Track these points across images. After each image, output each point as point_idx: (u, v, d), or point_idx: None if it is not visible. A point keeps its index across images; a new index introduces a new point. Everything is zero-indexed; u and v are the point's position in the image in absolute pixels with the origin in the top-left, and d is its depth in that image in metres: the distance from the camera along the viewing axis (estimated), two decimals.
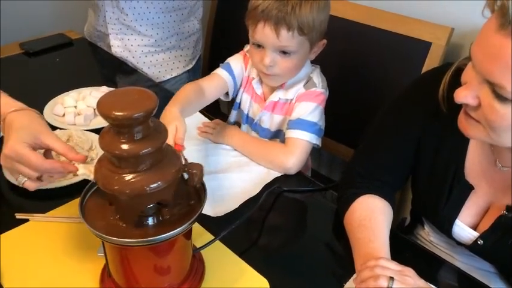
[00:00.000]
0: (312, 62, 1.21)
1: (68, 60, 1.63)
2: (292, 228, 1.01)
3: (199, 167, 0.74)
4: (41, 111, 1.25)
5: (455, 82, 0.79)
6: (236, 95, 1.28)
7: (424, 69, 1.34)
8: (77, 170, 0.81)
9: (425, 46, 1.34)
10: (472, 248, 0.90)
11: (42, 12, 2.26)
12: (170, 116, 1.00)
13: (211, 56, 1.99)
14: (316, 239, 0.97)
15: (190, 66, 1.78)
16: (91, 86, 1.39)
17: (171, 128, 0.94)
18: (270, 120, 1.22)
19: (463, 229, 0.90)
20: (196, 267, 0.83)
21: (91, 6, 1.69)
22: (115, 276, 0.78)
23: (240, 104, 1.28)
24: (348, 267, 0.86)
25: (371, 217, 0.89)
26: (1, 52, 1.60)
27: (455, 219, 0.91)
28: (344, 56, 1.52)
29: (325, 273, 0.89)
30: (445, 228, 0.93)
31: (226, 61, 1.26)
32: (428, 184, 0.93)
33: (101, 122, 1.23)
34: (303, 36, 1.07)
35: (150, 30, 1.62)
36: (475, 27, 1.33)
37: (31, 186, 0.85)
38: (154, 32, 1.63)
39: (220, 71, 1.23)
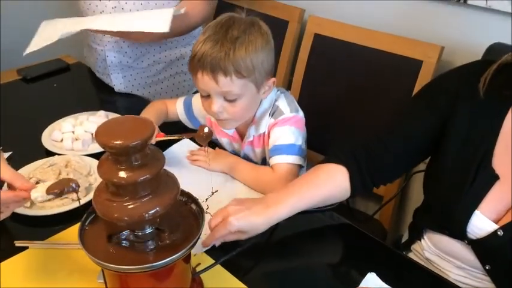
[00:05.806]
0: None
1: (65, 85, 1.64)
2: (293, 250, 1.01)
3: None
4: (39, 137, 1.27)
5: (499, 74, 0.85)
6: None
7: (416, 86, 1.36)
8: (29, 196, 0.78)
9: (417, 64, 1.36)
10: (486, 242, 0.87)
11: None
12: None
13: None
14: (317, 261, 0.96)
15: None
16: (89, 110, 1.40)
17: None
18: (254, 154, 1.23)
19: (482, 220, 0.88)
20: None
21: (86, 46, 1.66)
22: None
23: (221, 144, 1.29)
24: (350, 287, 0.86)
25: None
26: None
27: (475, 209, 0.88)
28: (337, 76, 1.54)
29: None
30: (462, 220, 0.90)
31: (190, 96, 1.31)
32: (452, 167, 0.92)
33: (99, 147, 1.22)
34: (244, 79, 1.05)
35: (151, 65, 1.61)
36: (465, 44, 1.36)
37: None
38: (156, 64, 1.62)
39: (179, 104, 1.30)
